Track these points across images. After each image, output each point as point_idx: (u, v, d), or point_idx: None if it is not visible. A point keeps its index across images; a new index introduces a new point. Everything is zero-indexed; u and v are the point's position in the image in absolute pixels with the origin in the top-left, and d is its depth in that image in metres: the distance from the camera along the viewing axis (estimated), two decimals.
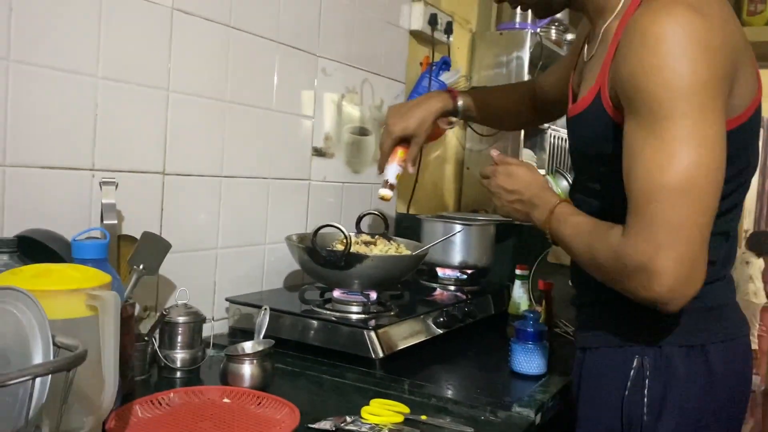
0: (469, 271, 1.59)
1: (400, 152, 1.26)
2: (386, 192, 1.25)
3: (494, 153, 1.09)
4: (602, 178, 0.93)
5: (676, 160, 0.75)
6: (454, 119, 1.54)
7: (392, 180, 1.25)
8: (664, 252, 0.75)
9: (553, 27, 2.27)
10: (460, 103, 1.30)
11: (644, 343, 0.90)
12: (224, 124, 1.27)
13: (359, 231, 1.40)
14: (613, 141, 0.85)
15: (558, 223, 0.93)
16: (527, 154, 2.27)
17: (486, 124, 1.52)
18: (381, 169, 1.28)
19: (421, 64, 1.91)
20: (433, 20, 1.84)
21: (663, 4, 0.78)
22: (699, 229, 0.75)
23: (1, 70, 0.90)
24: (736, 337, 0.92)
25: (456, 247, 1.59)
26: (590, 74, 0.94)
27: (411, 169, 1.28)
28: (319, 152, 1.54)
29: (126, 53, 1.07)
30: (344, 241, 1.18)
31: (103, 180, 1.00)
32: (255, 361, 0.97)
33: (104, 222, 0.98)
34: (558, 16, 2.27)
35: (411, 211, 1.91)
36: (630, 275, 0.79)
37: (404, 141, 1.26)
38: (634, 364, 0.90)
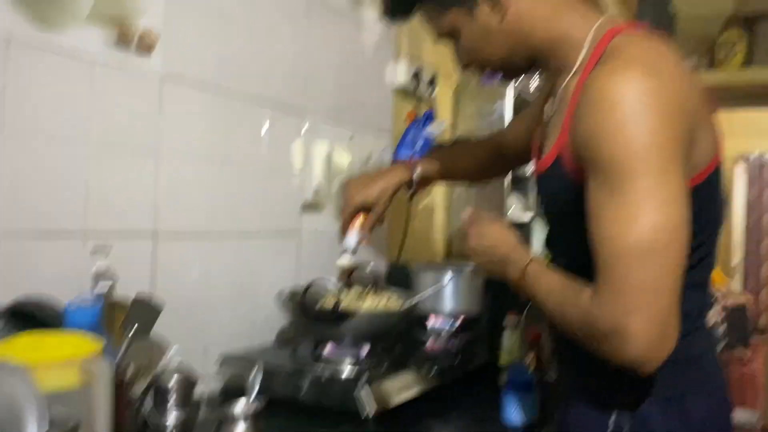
0: (460, 320, 1.60)
1: (360, 220, 1.29)
2: (346, 260, 1.28)
3: (465, 214, 1.08)
4: (568, 236, 0.93)
5: (639, 221, 0.75)
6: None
7: (353, 247, 1.28)
8: (634, 316, 0.75)
9: (533, 79, 2.34)
10: (415, 175, 1.31)
11: (620, 401, 0.89)
12: (215, 182, 1.30)
13: (350, 285, 1.41)
14: (574, 202, 0.85)
15: (530, 281, 0.92)
16: (514, 198, 2.30)
17: (454, 182, 1.54)
18: (341, 238, 1.30)
19: (406, 118, 1.96)
20: (416, 76, 1.90)
21: (619, 65, 0.80)
22: (668, 289, 0.76)
23: None
24: (714, 389, 0.92)
25: (447, 295, 1.60)
26: (552, 132, 0.94)
27: (367, 237, 1.31)
28: (309, 206, 1.56)
29: (117, 119, 1.10)
30: (335, 295, 1.19)
31: (96, 245, 1.02)
32: (248, 422, 0.97)
33: (97, 287, 0.99)
34: None
35: (402, 261, 1.93)
36: (602, 339, 0.79)
37: (364, 209, 1.29)
38: (611, 422, 0.89)
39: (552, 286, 0.89)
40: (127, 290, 1.08)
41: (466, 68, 1.02)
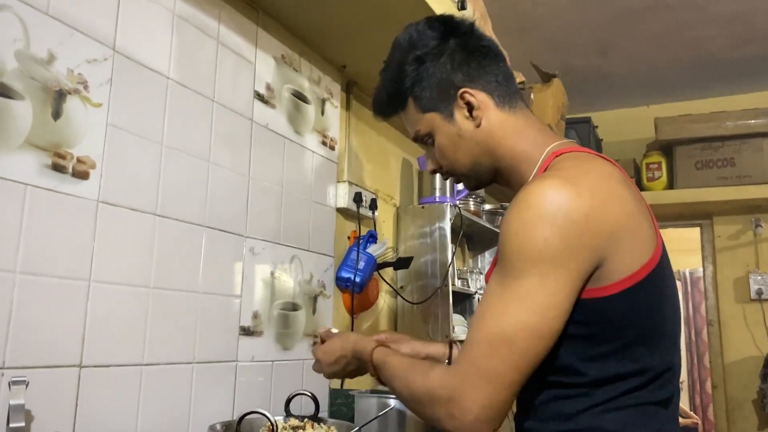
0: None
1: None
2: None
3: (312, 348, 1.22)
4: None
5: (506, 317, 0.83)
6: None
7: None
8: (475, 392, 0.82)
9: (471, 199, 2.43)
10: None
11: None
12: (147, 310, 1.25)
13: (288, 414, 1.35)
14: None
15: (379, 365, 1.02)
16: (457, 319, 2.31)
17: None
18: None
19: (348, 238, 1.99)
20: (358, 198, 1.95)
21: (545, 176, 0.89)
22: (508, 384, 0.82)
23: None
24: None
25: (391, 423, 1.55)
26: None
27: None
28: (247, 331, 1.52)
29: (48, 246, 1.07)
30: (270, 428, 1.13)
31: (13, 379, 0.95)
32: None
33: (10, 425, 0.92)
34: None
35: (344, 386, 1.87)
36: (439, 404, 0.86)
37: None
38: None
39: (397, 365, 0.98)
40: (47, 427, 1.00)
41: (434, 172, 1.09)
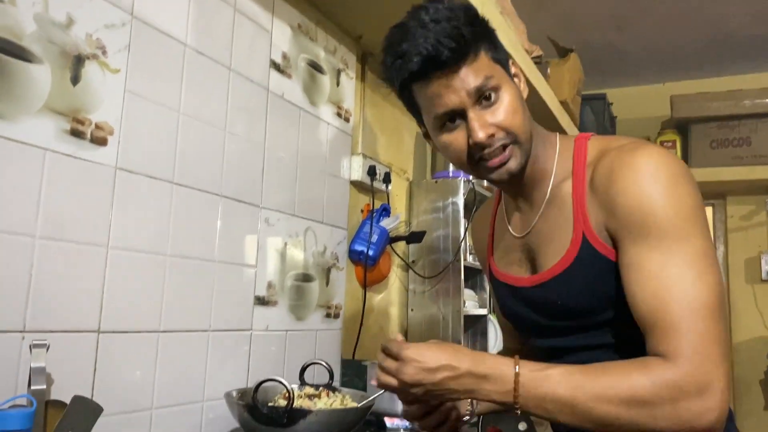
0: None
1: None
2: None
3: (381, 353, 0.90)
4: (609, 323, 0.90)
5: (704, 278, 0.79)
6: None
7: None
8: (721, 368, 0.76)
9: None
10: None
11: None
12: (164, 278, 1.26)
13: (303, 383, 1.36)
14: (615, 280, 0.86)
15: (535, 388, 0.81)
16: (468, 294, 2.31)
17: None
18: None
19: (362, 211, 1.98)
20: (372, 171, 1.94)
21: (634, 147, 0.87)
22: (728, 344, 0.81)
23: None
24: None
25: None
26: (552, 236, 0.94)
27: None
28: (261, 301, 1.53)
29: (67, 212, 1.07)
30: (287, 395, 1.14)
31: (34, 342, 0.96)
32: None
33: (32, 388, 0.93)
34: None
35: (357, 357, 1.89)
36: (690, 398, 0.75)
37: None
38: None
39: (578, 376, 0.80)
40: (66, 390, 1.01)
41: (490, 137, 0.90)
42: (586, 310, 0.92)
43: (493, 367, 0.83)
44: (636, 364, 0.80)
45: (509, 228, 1.05)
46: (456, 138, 0.92)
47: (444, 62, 0.88)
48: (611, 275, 0.87)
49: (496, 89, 0.90)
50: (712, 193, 3.46)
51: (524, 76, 1.01)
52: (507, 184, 0.98)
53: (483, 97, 0.90)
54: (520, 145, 0.92)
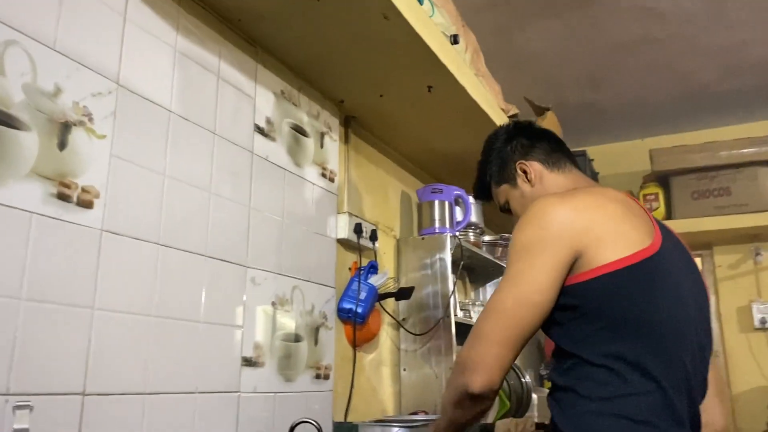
0: None
1: None
2: None
3: None
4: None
5: (500, 293, 1.07)
6: None
7: None
8: (485, 353, 1.05)
9: (471, 230, 2.45)
10: None
11: None
12: (150, 340, 1.26)
13: None
14: None
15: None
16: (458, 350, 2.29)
17: None
18: None
19: (350, 269, 2.00)
20: (358, 229, 1.96)
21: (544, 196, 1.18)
22: (503, 341, 1.04)
23: None
24: None
25: None
26: None
27: None
28: (249, 362, 1.52)
29: (52, 274, 1.08)
30: None
31: (17, 404, 0.96)
32: None
33: None
34: (474, 219, 2.46)
35: (349, 419, 1.86)
36: (460, 374, 1.07)
37: None
38: None
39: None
40: None
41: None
42: None
43: None
44: None
45: None
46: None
47: (480, 198, 1.47)
48: None
49: (507, 202, 1.36)
50: (699, 243, 3.50)
51: (533, 165, 1.32)
52: None
53: (506, 209, 1.38)
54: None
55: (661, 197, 3.48)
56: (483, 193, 1.43)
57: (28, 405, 0.95)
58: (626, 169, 3.71)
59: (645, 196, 3.51)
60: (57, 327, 1.08)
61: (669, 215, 3.43)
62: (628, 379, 1.01)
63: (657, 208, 3.48)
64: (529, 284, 1.05)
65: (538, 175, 1.30)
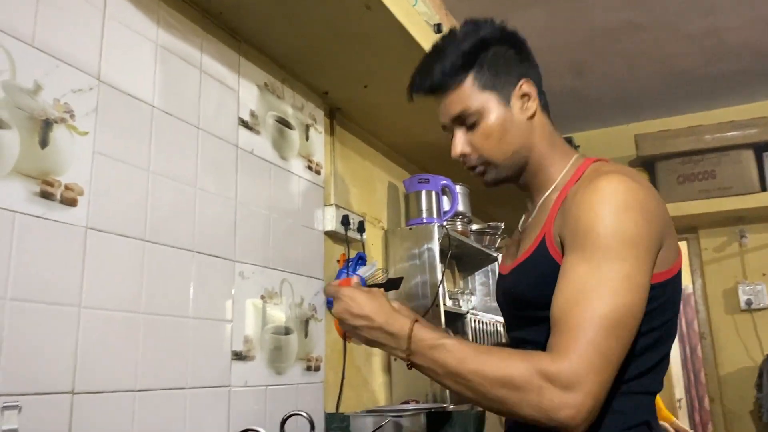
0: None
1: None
2: None
3: (334, 282, 1.10)
4: (539, 322, 0.95)
5: (614, 296, 0.84)
6: None
7: None
8: (595, 375, 0.82)
9: (458, 219, 2.46)
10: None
11: None
12: (139, 336, 1.26)
13: None
14: (553, 283, 0.92)
15: (429, 352, 0.92)
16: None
17: None
18: None
19: (338, 261, 2.00)
20: (345, 221, 1.96)
21: (604, 173, 0.94)
22: (617, 364, 0.84)
23: None
24: None
25: None
26: (529, 234, 1.06)
27: None
28: (239, 356, 1.52)
29: (37, 273, 1.07)
30: None
31: (5, 404, 0.95)
32: None
33: None
34: (461, 209, 2.46)
35: (340, 410, 1.86)
36: (554, 390, 0.82)
37: None
38: None
39: (468, 350, 0.90)
40: None
41: (462, 156, 1.07)
42: (530, 303, 0.99)
43: (400, 328, 0.95)
44: (524, 353, 0.89)
45: (518, 225, 1.17)
46: (451, 145, 1.09)
47: (430, 90, 1.07)
48: (553, 276, 0.93)
49: (477, 116, 1.04)
50: (684, 227, 3.53)
51: (535, 94, 1.07)
52: (519, 187, 1.12)
53: (463, 122, 1.06)
54: (495, 166, 1.06)
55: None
56: (447, 77, 1.04)
57: (17, 405, 0.95)
58: (612, 154, 3.72)
59: None
60: (43, 326, 1.07)
61: None
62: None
63: None
64: (643, 292, 0.87)
65: (538, 112, 1.06)
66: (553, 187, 1.06)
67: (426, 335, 0.94)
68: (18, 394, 1.01)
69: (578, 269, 0.88)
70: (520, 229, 1.16)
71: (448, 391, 2.13)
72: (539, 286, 0.96)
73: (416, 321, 0.96)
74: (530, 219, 1.10)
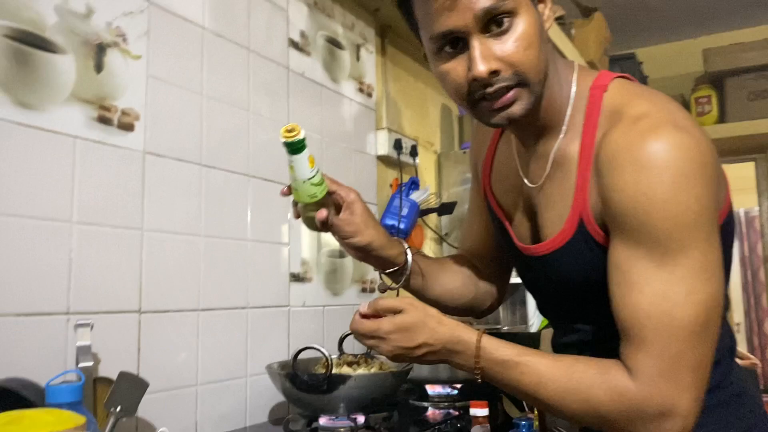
0: (459, 386, 1.56)
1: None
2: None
3: (363, 308, 0.89)
4: (597, 305, 0.84)
5: (693, 297, 0.73)
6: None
7: None
8: (688, 393, 0.73)
9: None
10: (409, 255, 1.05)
11: None
12: (200, 258, 1.29)
13: (342, 352, 1.38)
14: (603, 268, 0.80)
15: (501, 372, 0.82)
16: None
17: (435, 294, 1.12)
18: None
19: (390, 185, 1.99)
20: (398, 145, 1.94)
21: (647, 127, 0.76)
22: (709, 364, 0.75)
23: None
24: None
25: None
26: (554, 202, 0.88)
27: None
28: (297, 278, 1.55)
29: (100, 197, 1.10)
30: (326, 363, 1.16)
31: (78, 322, 1.00)
32: None
33: (79, 365, 0.97)
34: None
35: None
36: (647, 419, 0.74)
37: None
38: None
39: (544, 371, 0.79)
40: (113, 369, 1.05)
41: (491, 73, 0.78)
42: (576, 291, 0.88)
43: (466, 346, 0.83)
44: (601, 374, 0.77)
45: (520, 173, 0.95)
46: (455, 68, 0.80)
47: None
48: (602, 263, 0.81)
49: (511, 14, 0.77)
50: (753, 147, 3.35)
51: (551, 1, 0.85)
52: (513, 127, 0.90)
53: (493, 21, 0.77)
54: (529, 87, 0.80)
55: (714, 100, 3.31)
56: None
57: (89, 323, 0.99)
58: (677, 71, 3.53)
59: (697, 99, 3.34)
60: (109, 248, 1.11)
61: (722, 119, 3.27)
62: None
63: (709, 112, 3.32)
64: (720, 273, 0.75)
65: (550, 22, 0.84)
66: (564, 128, 0.86)
67: (495, 351, 0.82)
68: (89, 312, 1.06)
69: (638, 269, 0.75)
70: (530, 184, 0.92)
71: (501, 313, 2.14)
72: (585, 271, 0.85)
73: (481, 334, 0.83)
74: (543, 174, 0.89)
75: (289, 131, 0.92)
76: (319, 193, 0.95)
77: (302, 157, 0.93)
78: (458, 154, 2.26)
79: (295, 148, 0.92)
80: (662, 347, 0.73)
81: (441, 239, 2.22)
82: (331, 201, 0.99)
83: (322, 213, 0.95)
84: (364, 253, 1.03)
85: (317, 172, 0.94)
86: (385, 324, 0.85)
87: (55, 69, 1.05)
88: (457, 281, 1.12)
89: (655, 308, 0.73)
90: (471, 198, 1.14)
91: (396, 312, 0.85)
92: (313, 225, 0.98)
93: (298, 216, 0.98)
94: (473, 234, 1.14)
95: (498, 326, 1.98)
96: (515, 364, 0.80)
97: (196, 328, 1.27)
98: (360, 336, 0.88)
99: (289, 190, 0.97)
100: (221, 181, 1.36)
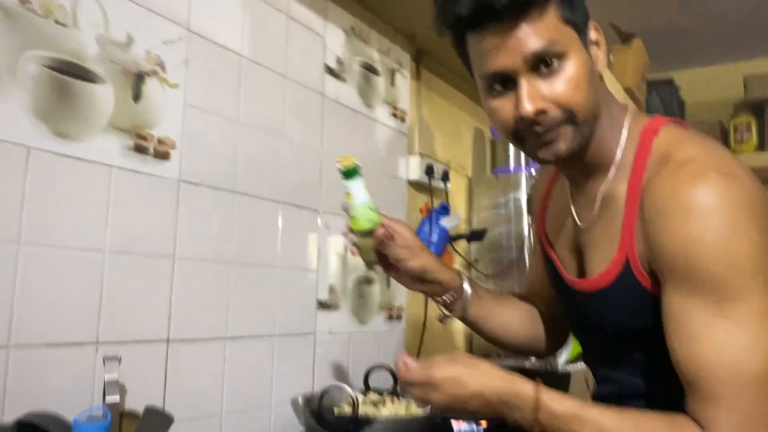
0: (485, 424, 1.53)
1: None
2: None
3: (408, 362, 0.85)
4: (646, 353, 0.85)
5: (758, 345, 0.70)
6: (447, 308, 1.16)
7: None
8: None
9: None
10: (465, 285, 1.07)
11: None
12: (228, 285, 1.28)
13: (367, 388, 1.36)
14: (651, 314, 0.80)
15: (560, 427, 0.78)
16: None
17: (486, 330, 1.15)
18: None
19: (421, 210, 1.97)
20: (429, 170, 1.92)
21: (693, 172, 0.75)
22: None
23: (12, 254, 0.93)
24: None
25: None
26: (601, 243, 0.88)
27: None
28: (323, 305, 1.54)
29: (133, 226, 1.10)
30: (351, 401, 1.15)
31: (107, 355, 1.00)
32: None
33: (106, 400, 0.96)
34: None
35: (421, 359, 1.87)
36: None
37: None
38: None
39: (609, 425, 0.76)
40: (138, 399, 1.04)
41: (537, 113, 0.79)
42: (618, 334, 0.87)
43: (524, 399, 0.79)
44: (671, 429, 0.74)
45: (573, 212, 0.95)
46: (503, 106, 0.82)
47: (500, 12, 0.76)
48: (648, 309, 0.80)
49: (561, 57, 0.78)
50: None
51: (605, 44, 0.87)
52: (562, 166, 0.92)
53: (542, 62, 0.78)
54: (577, 127, 0.81)
55: (753, 127, 3.23)
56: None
57: (117, 357, 0.99)
58: (716, 96, 3.46)
59: (736, 126, 3.27)
60: (140, 277, 1.11)
61: (761, 146, 3.20)
62: None
63: (749, 140, 3.25)
64: None
65: (603, 65, 0.85)
66: (614, 169, 0.86)
67: (556, 404, 0.78)
68: (117, 342, 1.06)
69: (695, 319, 0.73)
70: (581, 225, 0.93)
71: None
72: (628, 315, 0.84)
73: (538, 386, 0.80)
74: (593, 215, 0.90)
75: (345, 159, 1.01)
76: (377, 218, 1.02)
77: (359, 183, 1.01)
78: (490, 179, 2.23)
79: (352, 174, 1.00)
80: (734, 400, 0.70)
81: (470, 266, 2.20)
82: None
83: (382, 230, 1.01)
84: (419, 278, 1.05)
85: (371, 198, 1.02)
86: (437, 371, 0.82)
87: (94, 99, 1.05)
88: (517, 317, 1.13)
89: (720, 359, 0.71)
90: (534, 240, 1.15)
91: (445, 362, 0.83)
92: (371, 256, 1.04)
93: (355, 253, 1.00)
94: (535, 274, 1.16)
95: (522, 361, 1.94)
96: (577, 418, 0.77)
97: (222, 356, 1.26)
98: (409, 385, 0.85)
99: (349, 230, 1.03)
100: (252, 207, 1.35)
